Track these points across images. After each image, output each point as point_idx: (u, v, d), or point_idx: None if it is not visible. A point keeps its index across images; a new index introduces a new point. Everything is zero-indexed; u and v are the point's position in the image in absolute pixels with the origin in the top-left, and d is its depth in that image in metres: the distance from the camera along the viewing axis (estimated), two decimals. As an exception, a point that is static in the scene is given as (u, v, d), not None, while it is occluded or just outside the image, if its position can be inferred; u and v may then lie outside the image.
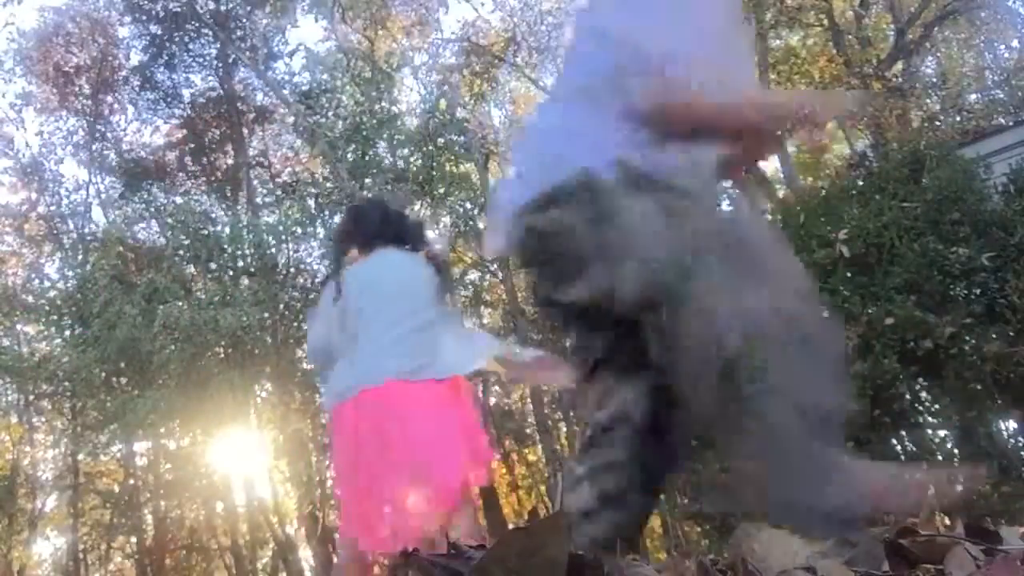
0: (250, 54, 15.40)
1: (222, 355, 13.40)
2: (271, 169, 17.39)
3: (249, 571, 16.16)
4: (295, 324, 14.50)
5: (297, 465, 14.04)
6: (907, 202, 4.59)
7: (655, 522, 17.05)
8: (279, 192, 15.31)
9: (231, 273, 13.75)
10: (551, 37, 16.63)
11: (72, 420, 14.36)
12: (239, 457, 14.63)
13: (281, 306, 13.66)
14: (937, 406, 4.36)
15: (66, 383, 13.35)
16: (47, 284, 14.85)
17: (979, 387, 4.01)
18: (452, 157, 13.95)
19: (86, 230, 15.94)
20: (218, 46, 15.85)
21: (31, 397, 15.44)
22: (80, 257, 13.93)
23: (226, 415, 12.53)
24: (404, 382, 2.34)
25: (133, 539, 16.03)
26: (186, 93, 16.49)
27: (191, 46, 15.94)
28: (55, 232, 16.58)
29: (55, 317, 13.16)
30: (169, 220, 13.15)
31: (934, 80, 12.24)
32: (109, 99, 16.76)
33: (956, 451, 4.30)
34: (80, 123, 16.72)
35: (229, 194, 16.36)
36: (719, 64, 1.46)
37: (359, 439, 2.32)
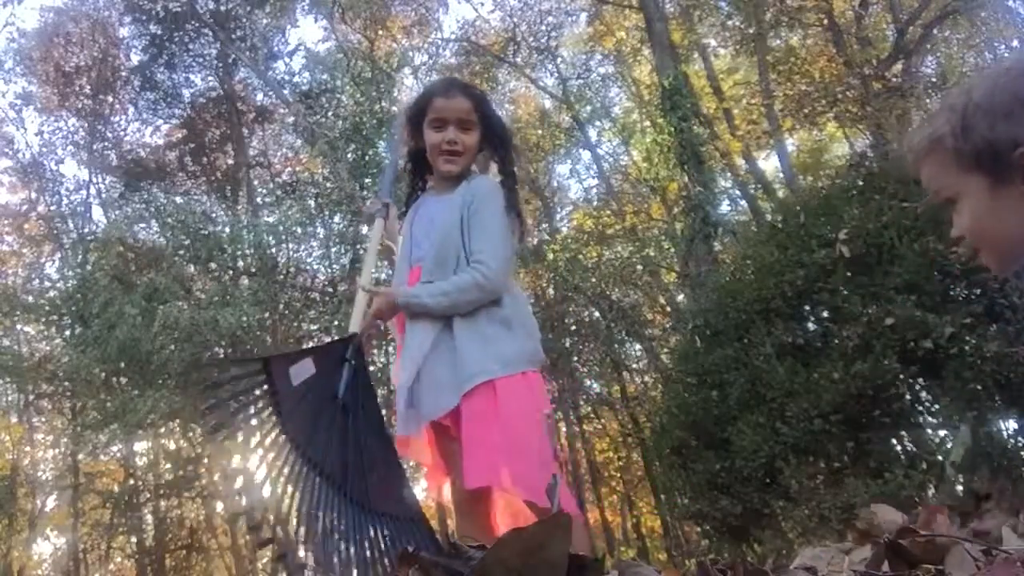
0: (250, 54, 15.39)
1: (222, 355, 13.40)
2: (271, 169, 17.39)
3: (249, 571, 16.15)
4: (295, 324, 14.50)
5: (297, 465, 14.04)
6: (907, 202, 4.58)
7: (655, 522, 17.08)
8: (279, 192, 15.31)
9: (231, 273, 13.75)
10: (551, 37, 16.66)
11: (72, 420, 14.35)
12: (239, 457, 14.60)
13: (281, 306, 13.66)
14: (937, 406, 4.35)
15: (66, 383, 13.36)
16: (47, 284, 14.85)
17: (979, 387, 4.00)
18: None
19: (86, 230, 15.94)
20: (218, 46, 15.84)
21: (31, 397, 15.44)
22: (80, 257, 13.91)
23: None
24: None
25: (133, 539, 16.03)
26: (186, 93, 16.52)
27: (191, 46, 15.94)
28: (55, 232, 16.59)
29: (55, 317, 13.15)
30: (169, 220, 13.14)
31: (934, 80, 12.22)
32: (109, 99, 16.76)
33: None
34: (80, 123, 16.73)
35: (229, 194, 16.36)
36: None
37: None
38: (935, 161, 1.07)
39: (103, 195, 16.83)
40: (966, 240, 1.07)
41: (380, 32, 16.44)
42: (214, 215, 14.90)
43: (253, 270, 13.49)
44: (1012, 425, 4.11)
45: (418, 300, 2.02)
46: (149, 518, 15.92)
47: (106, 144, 16.93)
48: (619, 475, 17.71)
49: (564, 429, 16.11)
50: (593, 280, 13.77)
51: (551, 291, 16.22)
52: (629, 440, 15.60)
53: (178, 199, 15.05)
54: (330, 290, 14.47)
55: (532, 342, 2.09)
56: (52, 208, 16.67)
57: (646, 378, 15.80)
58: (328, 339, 14.88)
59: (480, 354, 1.97)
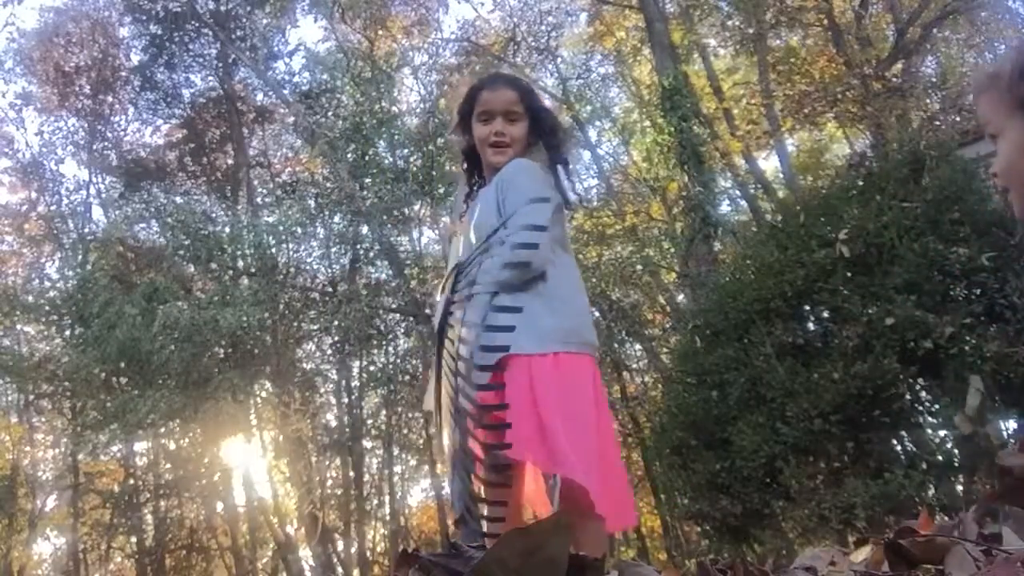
0: (250, 54, 15.39)
1: (222, 355, 13.40)
2: (271, 169, 17.39)
3: (249, 571, 16.16)
4: (295, 324, 14.50)
5: (297, 465, 14.04)
6: (907, 202, 4.58)
7: (655, 522, 17.06)
8: (279, 192, 15.30)
9: (231, 273, 13.74)
10: (551, 37, 16.65)
11: (72, 420, 14.34)
12: (239, 457, 14.63)
13: (281, 306, 13.65)
14: (937, 406, 4.36)
15: (66, 383, 13.35)
16: (47, 284, 14.85)
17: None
18: (452, 157, 13.95)
19: (86, 230, 15.95)
20: (218, 46, 15.84)
21: (31, 397, 15.44)
22: (80, 257, 13.92)
23: (226, 415, 12.53)
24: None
25: (133, 539, 16.03)
26: (186, 93, 16.51)
27: (191, 46, 15.94)
28: (55, 232, 16.58)
29: (55, 317, 13.15)
30: (169, 220, 13.14)
31: (934, 80, 12.23)
32: (109, 99, 16.76)
33: (956, 451, 4.30)
34: (80, 123, 16.73)
35: (229, 194, 16.36)
36: None
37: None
38: (989, 97, 1.15)
39: (103, 195, 16.84)
40: (999, 177, 1.14)
41: (380, 32, 16.44)
42: (214, 215, 14.90)
43: (253, 270, 13.48)
44: (1012, 425, 4.12)
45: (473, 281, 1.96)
46: (149, 518, 15.92)
47: (106, 144, 16.93)
48: (619, 475, 17.70)
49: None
50: (593, 280, 13.76)
51: (551, 291, 16.20)
52: (629, 440, 15.59)
53: (178, 199, 15.05)
54: (330, 290, 14.47)
55: (570, 321, 2.00)
56: (52, 208, 16.67)
57: (646, 378, 15.80)
58: (328, 339, 14.91)
59: (510, 331, 1.85)
